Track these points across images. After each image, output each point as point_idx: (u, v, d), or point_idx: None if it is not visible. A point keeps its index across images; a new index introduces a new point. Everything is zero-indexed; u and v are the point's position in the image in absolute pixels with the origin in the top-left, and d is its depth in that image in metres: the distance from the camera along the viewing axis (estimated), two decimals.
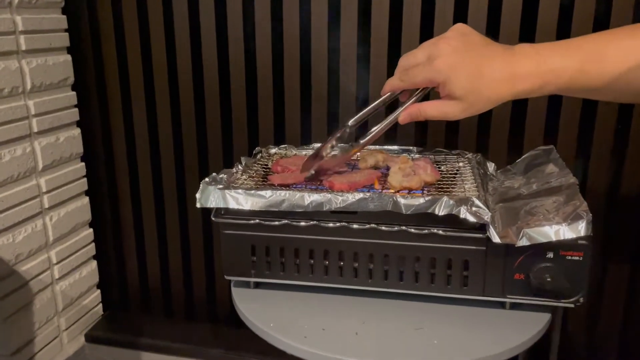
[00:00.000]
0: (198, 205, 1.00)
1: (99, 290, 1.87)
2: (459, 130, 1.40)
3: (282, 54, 1.43)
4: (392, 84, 0.86)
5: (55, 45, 1.57)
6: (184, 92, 1.55)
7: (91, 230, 1.80)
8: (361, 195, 0.96)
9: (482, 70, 0.73)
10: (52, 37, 1.56)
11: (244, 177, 1.10)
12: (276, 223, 0.99)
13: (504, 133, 1.39)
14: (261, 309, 1.00)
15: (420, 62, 0.79)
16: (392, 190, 1.01)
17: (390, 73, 0.88)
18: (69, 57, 1.61)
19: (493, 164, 1.23)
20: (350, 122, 0.96)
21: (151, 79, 1.57)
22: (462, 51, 0.74)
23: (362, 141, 0.95)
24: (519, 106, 1.37)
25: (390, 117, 0.90)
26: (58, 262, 1.67)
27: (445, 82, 0.75)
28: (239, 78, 1.48)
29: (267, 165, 1.21)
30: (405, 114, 0.86)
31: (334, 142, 0.99)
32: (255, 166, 1.17)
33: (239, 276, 1.04)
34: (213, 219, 1.01)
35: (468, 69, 0.74)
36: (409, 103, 0.86)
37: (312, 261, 1.01)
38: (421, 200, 0.93)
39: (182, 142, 1.59)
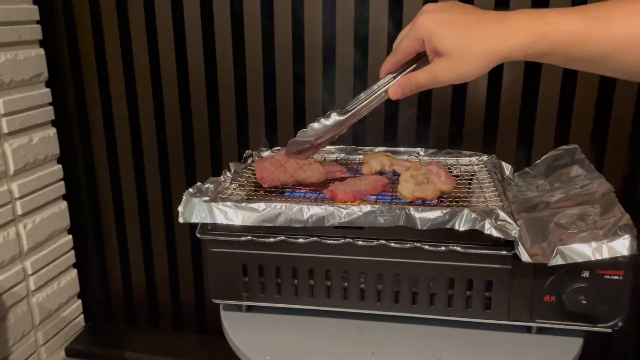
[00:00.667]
0: (181, 220, 0.88)
1: (79, 301, 1.75)
2: (463, 125, 1.26)
3: (273, 51, 1.29)
4: (386, 65, 0.77)
5: (26, 38, 1.44)
6: (168, 89, 1.41)
7: (70, 237, 1.68)
8: (368, 208, 0.83)
9: (469, 23, 0.66)
10: (23, 30, 1.42)
11: (233, 186, 0.97)
12: (271, 240, 0.87)
13: (512, 129, 1.26)
14: (254, 337, 0.88)
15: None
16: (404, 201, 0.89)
17: None
18: (41, 51, 1.48)
19: (509, 166, 1.10)
20: (347, 108, 0.84)
21: (132, 75, 1.44)
22: (449, 8, 0.68)
23: (349, 109, 0.83)
24: (528, 100, 1.23)
25: (381, 89, 0.79)
26: (34, 273, 1.55)
27: (429, 37, 0.68)
28: (227, 74, 1.34)
29: None
30: (395, 86, 0.77)
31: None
32: (245, 172, 1.04)
33: (228, 299, 0.91)
34: (198, 235, 0.89)
35: (454, 21, 0.67)
36: (400, 76, 0.77)
37: (312, 282, 0.89)
38: (438, 214, 0.81)
39: (167, 142, 1.46)
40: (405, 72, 0.76)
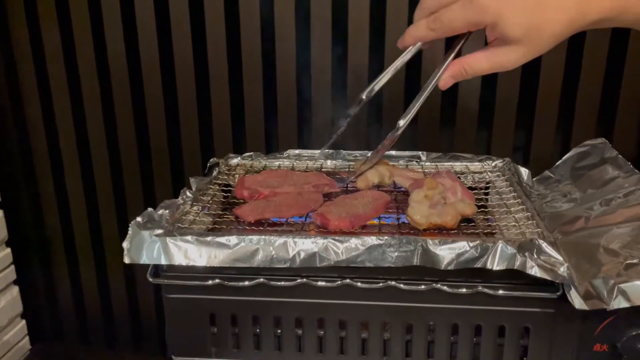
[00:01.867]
0: (127, 260, 0.67)
1: (24, 321, 1.51)
2: (455, 121, 1.06)
3: (239, 42, 1.06)
4: (418, 35, 0.66)
5: None
6: (118, 84, 1.15)
7: (9, 250, 1.43)
8: (373, 240, 0.64)
9: (541, 3, 0.59)
10: None
11: (195, 209, 0.76)
12: (247, 283, 0.67)
13: (509, 120, 1.07)
14: None
15: (454, 0, 0.62)
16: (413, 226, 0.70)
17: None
18: None
19: (527, 170, 0.92)
20: (364, 93, 0.75)
21: (75, 68, 1.19)
22: None
23: (402, 122, 0.74)
24: (528, 85, 1.04)
25: (430, 84, 0.70)
26: None
27: (496, 23, 0.59)
28: (186, 66, 1.09)
29: (228, 184, 0.88)
30: (447, 78, 0.67)
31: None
32: (211, 189, 0.83)
33: (191, 356, 0.71)
34: (150, 279, 0.68)
35: (525, 4, 0.59)
36: (449, 60, 0.67)
37: (300, 332, 0.70)
38: (464, 247, 0.63)
39: (119, 148, 1.20)
40: (452, 53, 0.67)
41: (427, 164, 0.94)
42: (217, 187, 0.85)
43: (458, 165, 0.93)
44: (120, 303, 1.42)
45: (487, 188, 0.87)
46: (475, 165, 0.93)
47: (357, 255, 0.64)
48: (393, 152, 0.97)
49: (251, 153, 0.97)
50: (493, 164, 0.93)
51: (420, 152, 0.96)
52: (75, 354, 1.54)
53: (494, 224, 0.73)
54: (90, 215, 1.27)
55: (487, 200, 0.83)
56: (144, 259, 0.66)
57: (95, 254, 1.35)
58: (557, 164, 0.95)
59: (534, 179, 0.95)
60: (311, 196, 0.78)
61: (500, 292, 0.65)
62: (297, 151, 0.98)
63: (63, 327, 1.50)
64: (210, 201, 0.80)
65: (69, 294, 1.45)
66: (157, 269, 0.69)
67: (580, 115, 1.04)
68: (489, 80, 1.04)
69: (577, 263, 0.68)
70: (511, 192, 0.81)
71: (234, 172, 0.93)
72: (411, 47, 0.69)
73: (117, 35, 1.09)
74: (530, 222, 0.71)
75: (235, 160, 0.96)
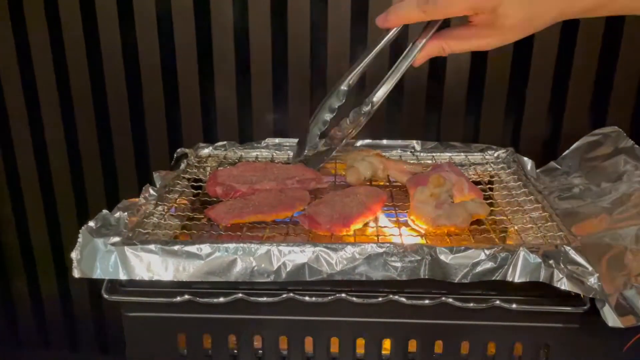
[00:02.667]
0: (77, 274, 0.56)
1: None
2: (441, 108, 0.96)
3: (209, 24, 0.93)
4: (406, 15, 0.61)
5: None
6: (75, 67, 1.01)
7: None
8: (372, 247, 0.54)
9: None
10: None
11: (159, 209, 0.65)
12: (222, 300, 0.56)
13: (499, 104, 0.98)
14: None
15: None
16: (417, 231, 0.60)
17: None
18: None
19: (531, 161, 0.83)
20: (344, 83, 0.70)
21: (29, 63, 1.04)
22: None
23: (374, 98, 0.70)
24: (518, 67, 0.95)
25: (406, 60, 0.67)
26: None
27: (495, 9, 0.58)
28: (150, 48, 0.95)
29: (198, 179, 0.77)
30: (424, 54, 0.66)
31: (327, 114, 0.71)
32: (178, 185, 0.72)
33: None
34: (105, 296, 0.57)
35: None
36: (426, 40, 0.65)
37: (285, 353, 0.60)
38: (481, 257, 0.53)
39: (78, 138, 1.06)
40: (429, 33, 0.64)
41: (422, 154, 0.85)
42: (186, 183, 0.74)
43: (456, 157, 0.84)
44: (83, 313, 1.27)
45: (491, 182, 0.78)
46: (476, 156, 0.84)
47: (354, 266, 0.54)
48: (384, 142, 0.87)
49: (224, 142, 0.86)
50: (495, 155, 0.84)
51: (414, 142, 0.86)
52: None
53: (509, 226, 0.64)
54: (48, 217, 1.12)
55: (493, 196, 0.73)
56: (98, 273, 0.55)
57: (55, 262, 1.20)
58: (564, 153, 0.86)
59: (538, 170, 0.86)
60: (296, 193, 0.68)
61: (521, 307, 0.56)
62: (277, 140, 0.87)
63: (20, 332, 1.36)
64: (178, 200, 0.69)
65: (28, 307, 1.29)
66: (115, 283, 0.58)
67: (573, 99, 0.96)
68: (478, 63, 0.95)
69: (602, 270, 0.59)
70: (521, 187, 0.72)
71: (205, 165, 0.82)
72: (395, 28, 0.65)
73: (74, 21, 0.95)
74: (549, 223, 0.62)
75: (206, 151, 0.85)
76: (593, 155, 0.83)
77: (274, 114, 0.98)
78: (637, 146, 0.79)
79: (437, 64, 0.95)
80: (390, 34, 0.66)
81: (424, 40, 0.65)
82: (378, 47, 0.68)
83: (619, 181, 0.76)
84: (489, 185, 0.76)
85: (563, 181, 0.82)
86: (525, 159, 0.83)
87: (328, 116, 0.71)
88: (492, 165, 0.81)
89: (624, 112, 0.96)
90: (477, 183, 0.75)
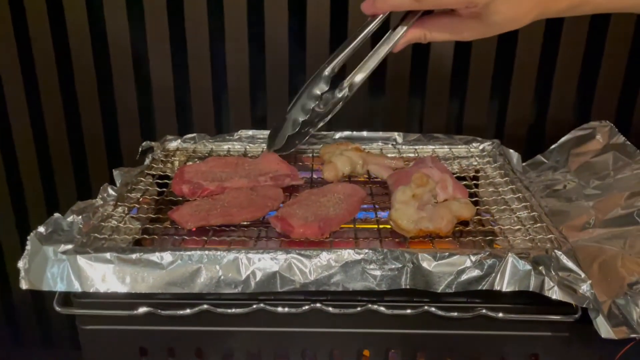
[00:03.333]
0: (24, 285, 0.51)
1: None
2: (424, 96, 0.92)
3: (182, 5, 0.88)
4: (396, 3, 0.59)
5: None
6: (41, 55, 0.93)
7: None
8: (350, 254, 0.50)
9: None
10: None
11: (119, 210, 0.59)
12: (187, 312, 0.52)
13: (484, 92, 0.93)
14: None
15: None
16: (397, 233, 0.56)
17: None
18: None
19: (517, 154, 0.79)
20: (328, 69, 0.66)
21: None
22: None
23: (350, 82, 0.67)
24: (503, 56, 0.91)
25: (386, 46, 0.64)
26: None
27: (488, 4, 0.57)
28: (120, 35, 0.88)
29: (164, 175, 0.72)
30: (404, 40, 0.64)
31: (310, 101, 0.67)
32: (142, 182, 0.66)
33: None
34: (58, 309, 0.52)
35: None
36: (408, 26, 0.63)
37: None
38: (467, 264, 0.49)
39: (46, 133, 0.98)
40: (412, 20, 0.62)
41: (404, 147, 0.80)
42: (150, 180, 0.68)
43: (440, 149, 0.79)
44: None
45: (476, 178, 0.74)
46: (460, 149, 0.79)
47: (330, 275, 0.50)
48: (364, 134, 0.82)
49: (194, 135, 0.81)
50: (481, 147, 0.80)
51: (396, 134, 0.82)
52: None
53: (496, 226, 0.60)
54: (17, 216, 1.05)
55: (479, 194, 0.69)
56: (48, 284, 0.50)
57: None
58: (551, 147, 0.83)
59: (524, 163, 0.82)
60: (268, 192, 0.63)
61: (508, 315, 0.52)
62: (250, 132, 0.82)
63: None
64: (141, 199, 0.63)
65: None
66: (68, 294, 0.53)
67: (558, 88, 0.92)
68: (462, 52, 0.90)
69: (594, 275, 0.56)
70: (508, 184, 0.68)
71: (172, 159, 0.76)
72: (381, 15, 0.63)
73: (40, 10, 0.88)
74: (538, 224, 0.57)
75: (174, 144, 0.80)
76: (582, 151, 0.79)
77: (250, 105, 0.93)
78: (628, 143, 0.75)
79: (420, 52, 0.90)
80: (376, 20, 0.63)
81: (406, 27, 0.62)
82: (363, 33, 0.65)
83: (609, 179, 0.72)
84: (474, 182, 0.72)
85: (550, 176, 0.79)
86: (512, 151, 0.79)
87: (311, 103, 0.67)
88: (477, 158, 0.77)
89: (610, 101, 0.93)
90: (461, 179, 0.71)
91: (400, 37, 0.63)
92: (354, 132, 0.82)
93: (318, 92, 0.66)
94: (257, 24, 0.87)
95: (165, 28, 0.88)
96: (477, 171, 0.75)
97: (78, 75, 0.91)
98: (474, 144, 0.80)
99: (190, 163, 0.75)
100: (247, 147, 0.80)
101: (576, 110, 0.93)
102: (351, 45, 0.65)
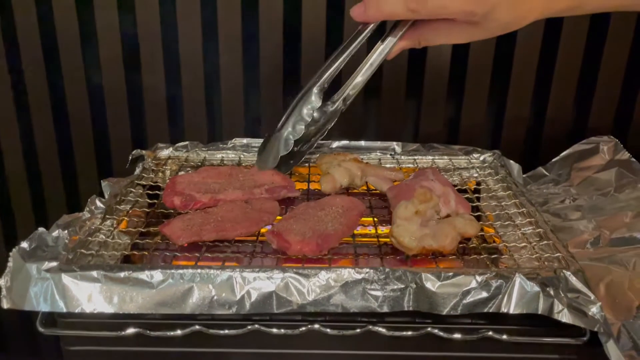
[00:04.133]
0: (6, 304, 0.48)
1: None
2: (421, 104, 0.90)
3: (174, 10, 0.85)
4: (390, 11, 0.56)
5: None
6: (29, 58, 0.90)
7: None
8: (350, 273, 0.47)
9: None
10: None
11: (107, 224, 0.57)
12: (178, 333, 0.49)
13: (481, 100, 0.92)
14: None
15: None
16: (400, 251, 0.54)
17: None
18: None
19: (518, 165, 0.78)
20: (318, 84, 0.62)
21: None
22: None
23: (345, 93, 0.65)
24: (501, 63, 0.89)
25: (380, 55, 0.62)
26: None
27: (487, 14, 0.55)
28: (112, 40, 0.86)
29: (155, 185, 0.69)
30: (398, 47, 0.62)
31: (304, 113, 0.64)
32: (131, 194, 0.64)
33: None
34: (41, 329, 0.49)
35: None
36: (402, 33, 0.61)
37: None
38: (472, 285, 0.47)
39: (34, 140, 0.93)
40: (405, 30, 0.60)
41: (403, 157, 0.78)
42: (141, 191, 0.66)
43: (439, 160, 0.77)
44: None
45: (477, 190, 0.72)
46: (460, 160, 0.77)
47: (329, 295, 0.47)
48: (362, 143, 0.80)
49: (186, 143, 0.78)
50: (481, 158, 0.77)
51: (394, 144, 0.79)
52: None
53: (500, 243, 0.58)
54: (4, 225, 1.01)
55: (481, 207, 0.67)
56: (31, 304, 0.47)
57: None
58: (553, 160, 0.81)
59: (525, 175, 0.81)
60: (264, 205, 0.61)
61: (515, 338, 0.50)
62: (244, 140, 0.79)
63: None
64: (130, 212, 0.61)
65: None
66: (52, 313, 0.50)
67: (556, 96, 0.90)
68: (460, 58, 0.88)
69: (601, 297, 0.54)
70: (511, 197, 0.65)
71: (163, 168, 0.74)
72: (373, 24, 0.60)
73: (29, 15, 0.85)
74: (544, 241, 0.55)
75: (165, 152, 0.77)
76: (585, 165, 0.77)
77: (244, 112, 0.90)
78: (634, 159, 0.74)
79: (416, 58, 0.88)
80: (368, 29, 0.61)
81: (400, 34, 0.60)
82: (354, 44, 0.62)
83: (614, 196, 0.70)
84: (475, 195, 0.70)
85: (552, 190, 0.77)
86: (512, 162, 0.78)
87: (303, 122, 0.63)
88: (477, 170, 0.75)
89: (608, 108, 0.91)
90: (462, 191, 0.69)
91: (394, 44, 0.61)
92: (352, 142, 0.80)
93: (310, 108, 0.63)
94: (251, 29, 0.85)
95: (158, 33, 0.85)
96: (478, 183, 0.73)
97: (68, 82, 0.88)
98: (475, 155, 0.78)
99: (182, 173, 0.73)
100: (242, 155, 0.77)
101: (574, 111, 0.91)
102: (343, 56, 0.62)
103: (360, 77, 0.64)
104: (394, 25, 0.61)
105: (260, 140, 0.79)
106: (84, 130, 0.91)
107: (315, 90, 0.62)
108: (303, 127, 0.63)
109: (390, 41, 0.61)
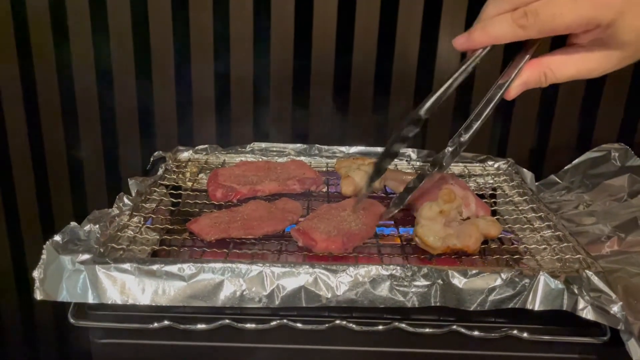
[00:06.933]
0: (39, 295, 0.49)
1: None
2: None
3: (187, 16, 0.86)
4: (498, 33, 0.49)
5: None
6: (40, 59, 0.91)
7: None
8: (378, 270, 0.48)
9: None
10: None
11: (134, 221, 0.58)
12: (204, 326, 0.50)
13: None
14: None
15: None
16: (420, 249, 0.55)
17: None
18: None
19: (530, 173, 0.79)
20: (422, 111, 0.53)
21: None
22: None
23: (462, 139, 0.55)
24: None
25: (497, 94, 0.52)
26: None
27: (613, 22, 0.46)
28: (123, 44, 0.86)
29: (177, 186, 0.70)
30: (520, 82, 0.51)
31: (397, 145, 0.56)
32: (155, 193, 0.65)
33: None
34: (72, 321, 0.50)
35: None
36: (523, 63, 0.51)
37: None
38: (497, 282, 0.48)
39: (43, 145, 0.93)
40: (527, 59, 0.51)
41: (418, 163, 0.79)
42: (164, 190, 0.67)
43: (455, 167, 0.79)
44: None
45: (493, 196, 0.73)
46: (475, 167, 0.79)
47: (357, 291, 0.48)
48: (379, 149, 0.81)
49: (205, 146, 0.79)
50: (496, 166, 0.79)
51: (410, 150, 0.81)
52: None
53: (521, 246, 0.59)
54: (10, 231, 1.01)
55: (499, 211, 0.68)
56: (64, 296, 0.48)
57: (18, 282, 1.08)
58: (565, 167, 0.83)
59: (538, 183, 0.82)
60: (287, 205, 0.62)
61: (538, 337, 0.51)
62: (263, 144, 0.80)
63: None
64: (156, 210, 0.62)
65: None
66: (82, 306, 0.51)
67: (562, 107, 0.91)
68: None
69: (620, 298, 0.55)
70: (527, 202, 0.67)
71: (184, 170, 0.75)
72: (480, 50, 0.51)
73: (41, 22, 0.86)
74: (564, 244, 0.57)
75: (185, 154, 0.78)
76: (597, 172, 0.79)
77: (254, 118, 0.91)
78: None
79: (423, 66, 0.89)
80: (475, 57, 0.52)
81: (520, 64, 0.52)
82: (459, 71, 0.53)
83: (629, 201, 0.72)
84: (492, 200, 0.71)
85: (565, 197, 0.78)
86: (525, 170, 0.79)
87: (399, 146, 0.57)
88: (493, 177, 0.76)
89: (615, 116, 0.92)
90: (480, 196, 0.70)
91: (512, 79, 0.52)
92: (368, 147, 0.82)
93: (409, 134, 0.55)
94: (262, 33, 0.86)
95: (170, 39, 0.86)
96: (494, 189, 0.74)
97: (79, 87, 0.88)
98: (489, 162, 0.79)
99: (202, 175, 0.74)
100: (260, 159, 0.78)
101: (581, 120, 0.92)
102: (446, 85, 0.53)
103: (477, 123, 0.54)
104: (513, 58, 0.53)
105: (277, 145, 0.81)
106: (93, 132, 0.91)
107: (416, 116, 0.54)
108: (397, 150, 0.57)
109: (509, 75, 0.52)
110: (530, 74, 0.51)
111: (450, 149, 0.55)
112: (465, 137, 0.54)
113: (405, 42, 0.86)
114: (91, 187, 0.94)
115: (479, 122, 0.54)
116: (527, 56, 0.51)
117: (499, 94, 0.52)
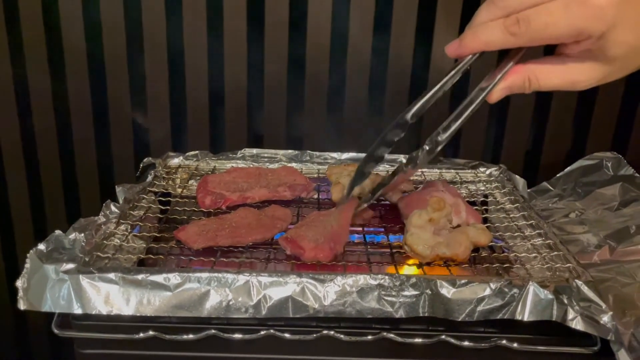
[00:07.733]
0: (23, 305, 0.48)
1: None
2: (422, 118, 0.89)
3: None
4: (489, 39, 0.49)
5: None
6: (34, 67, 0.90)
7: None
8: (366, 279, 0.48)
9: None
10: None
11: (121, 229, 0.57)
12: (191, 337, 0.49)
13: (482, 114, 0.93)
14: None
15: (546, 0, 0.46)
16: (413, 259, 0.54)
17: None
18: None
19: (523, 180, 0.79)
20: (409, 115, 0.55)
21: None
22: None
23: (442, 137, 0.54)
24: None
25: (479, 96, 0.52)
26: None
27: (605, 33, 0.46)
28: (117, 46, 0.86)
29: (167, 192, 0.69)
30: (503, 86, 0.51)
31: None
32: (144, 200, 0.64)
33: None
34: (56, 331, 0.49)
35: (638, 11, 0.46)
36: (508, 67, 0.51)
37: None
38: (486, 292, 0.48)
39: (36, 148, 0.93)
40: (513, 63, 0.51)
41: (406, 168, 0.79)
42: (153, 197, 0.66)
43: (447, 173, 0.78)
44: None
45: (485, 203, 0.72)
46: (467, 174, 0.78)
47: (345, 301, 0.48)
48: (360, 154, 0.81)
49: (196, 152, 0.79)
50: (487, 172, 0.79)
51: (402, 156, 0.80)
52: None
53: (511, 254, 0.59)
54: (3, 238, 1.00)
55: (490, 219, 0.68)
56: (48, 306, 0.47)
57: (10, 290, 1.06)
58: (557, 175, 0.83)
59: (530, 189, 0.82)
60: (276, 212, 0.61)
61: (528, 347, 0.50)
62: (254, 150, 0.80)
63: None
64: (144, 217, 0.61)
65: None
66: (67, 315, 0.50)
67: (556, 111, 0.91)
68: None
69: (611, 307, 0.54)
70: (519, 210, 0.66)
71: (174, 176, 0.74)
72: (470, 56, 0.51)
73: (35, 25, 0.85)
74: (554, 252, 0.56)
75: (175, 161, 0.77)
76: (589, 180, 0.79)
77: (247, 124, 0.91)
78: (637, 174, 0.75)
79: (418, 70, 0.89)
80: (464, 62, 0.52)
81: (505, 69, 0.51)
82: (447, 78, 0.54)
83: (620, 210, 0.71)
84: (484, 207, 0.71)
85: (557, 204, 0.78)
86: (517, 177, 0.79)
87: (384, 150, 0.58)
88: (484, 183, 0.76)
89: (608, 124, 0.93)
90: (470, 204, 0.70)
91: (495, 83, 0.51)
92: (359, 154, 0.81)
93: (394, 138, 0.57)
94: (256, 42, 0.86)
95: (164, 45, 0.86)
96: (485, 196, 0.74)
97: (72, 88, 0.88)
98: (481, 169, 0.79)
99: (192, 181, 0.74)
100: (251, 165, 0.78)
101: (574, 127, 0.92)
102: (434, 90, 0.55)
103: (455, 124, 0.54)
104: (498, 61, 0.52)
105: (269, 150, 0.81)
106: (86, 136, 0.90)
107: (402, 120, 0.55)
108: (383, 155, 0.59)
109: (493, 78, 0.51)
110: (514, 79, 0.51)
111: (426, 148, 0.55)
112: (442, 137, 0.54)
113: (400, 48, 0.86)
114: (84, 193, 0.93)
115: (458, 123, 0.54)
116: (512, 62, 0.51)
117: (481, 97, 0.52)
